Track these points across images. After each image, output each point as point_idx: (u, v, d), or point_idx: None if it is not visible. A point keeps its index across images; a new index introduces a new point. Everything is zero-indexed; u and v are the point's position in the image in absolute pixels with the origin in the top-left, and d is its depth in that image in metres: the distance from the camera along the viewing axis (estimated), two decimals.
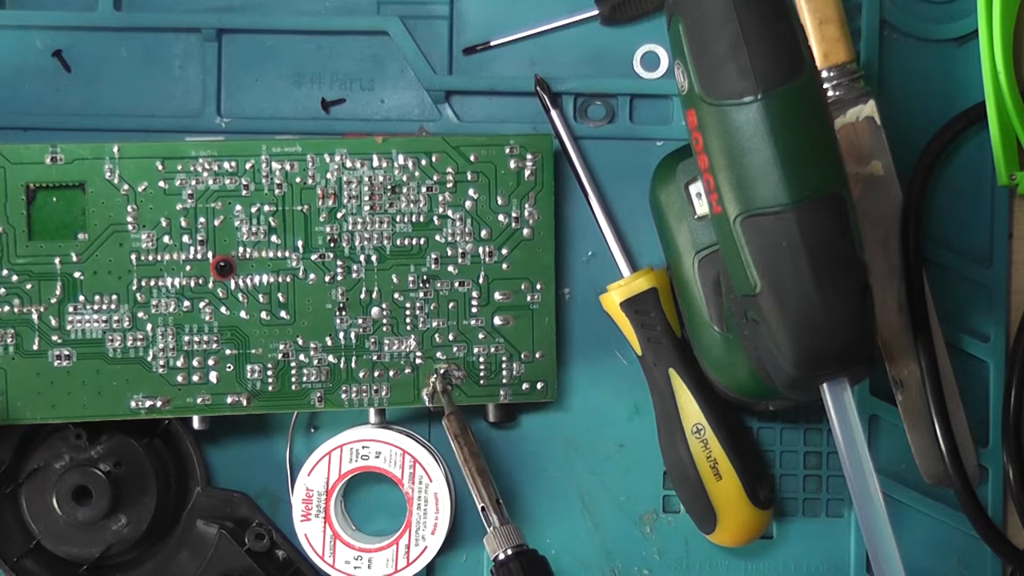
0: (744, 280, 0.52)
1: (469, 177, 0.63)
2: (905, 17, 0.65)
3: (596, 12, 0.65)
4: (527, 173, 0.63)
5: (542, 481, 0.66)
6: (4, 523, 0.64)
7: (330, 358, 0.63)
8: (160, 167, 0.62)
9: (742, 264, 0.52)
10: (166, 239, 0.62)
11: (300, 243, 0.62)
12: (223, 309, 0.62)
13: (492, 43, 0.65)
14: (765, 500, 0.63)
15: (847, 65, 0.62)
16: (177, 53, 0.66)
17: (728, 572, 0.66)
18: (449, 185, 0.63)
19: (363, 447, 0.64)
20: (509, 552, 0.61)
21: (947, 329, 0.65)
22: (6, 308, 0.62)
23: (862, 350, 0.52)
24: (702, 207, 0.60)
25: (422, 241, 0.63)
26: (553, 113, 0.65)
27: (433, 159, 0.63)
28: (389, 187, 0.63)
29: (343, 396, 0.63)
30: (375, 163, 0.62)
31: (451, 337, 0.63)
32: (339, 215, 0.62)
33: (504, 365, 0.64)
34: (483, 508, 0.62)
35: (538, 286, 0.64)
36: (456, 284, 0.63)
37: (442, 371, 0.63)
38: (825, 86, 0.62)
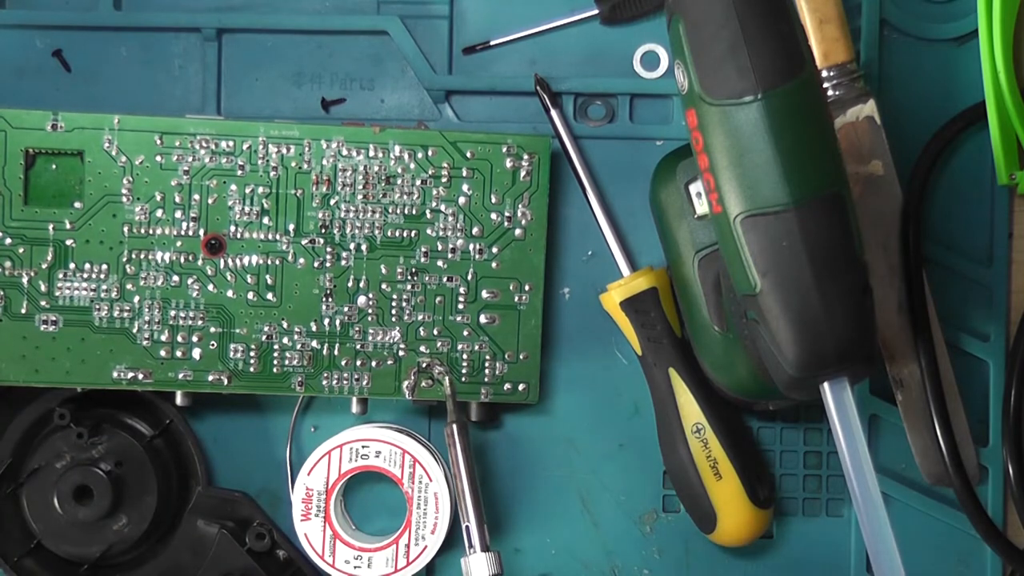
0: (744, 280, 0.52)
1: (464, 173, 0.63)
2: (905, 17, 0.65)
3: (596, 12, 0.65)
4: (523, 173, 0.63)
5: (542, 481, 0.66)
6: (5, 523, 0.64)
7: (313, 343, 0.63)
8: (158, 142, 0.62)
9: (742, 264, 0.52)
10: (159, 213, 0.62)
11: (291, 227, 0.62)
12: (210, 287, 0.62)
13: (492, 43, 0.65)
14: (765, 500, 0.63)
15: (847, 65, 0.62)
16: (177, 53, 0.66)
17: (728, 572, 0.66)
18: (444, 180, 0.63)
19: (363, 447, 0.64)
20: None
21: (947, 329, 0.65)
22: None
23: (862, 350, 0.52)
24: (702, 207, 0.60)
25: (413, 233, 0.63)
26: (553, 113, 0.65)
27: (429, 152, 0.62)
28: (384, 177, 0.62)
29: (324, 382, 0.63)
30: (371, 152, 0.62)
31: (436, 332, 0.63)
32: (332, 201, 0.62)
33: (487, 364, 0.63)
34: (467, 528, 0.61)
35: (526, 287, 0.63)
36: (444, 279, 0.63)
37: (424, 365, 0.63)
38: (825, 86, 0.62)
